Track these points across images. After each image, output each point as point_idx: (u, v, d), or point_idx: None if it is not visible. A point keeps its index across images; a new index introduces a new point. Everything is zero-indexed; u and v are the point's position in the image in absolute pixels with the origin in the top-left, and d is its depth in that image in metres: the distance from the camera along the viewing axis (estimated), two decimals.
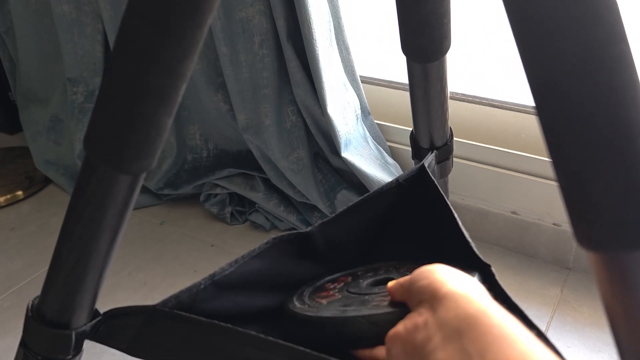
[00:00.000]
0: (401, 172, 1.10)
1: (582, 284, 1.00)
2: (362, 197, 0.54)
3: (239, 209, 1.16)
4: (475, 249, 0.50)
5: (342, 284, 0.51)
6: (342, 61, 1.03)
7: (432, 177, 0.56)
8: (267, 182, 1.13)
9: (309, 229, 0.52)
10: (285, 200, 1.12)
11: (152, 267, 1.06)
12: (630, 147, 0.27)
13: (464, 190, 1.07)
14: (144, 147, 0.36)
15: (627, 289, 0.28)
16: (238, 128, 1.08)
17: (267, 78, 1.02)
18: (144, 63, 0.33)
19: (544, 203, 1.02)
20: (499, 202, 1.05)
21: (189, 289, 0.44)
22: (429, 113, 0.59)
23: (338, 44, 1.02)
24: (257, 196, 1.12)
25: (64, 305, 0.42)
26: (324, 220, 0.53)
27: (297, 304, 0.48)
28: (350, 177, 1.08)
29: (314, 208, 1.09)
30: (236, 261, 0.46)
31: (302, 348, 0.39)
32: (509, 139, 1.05)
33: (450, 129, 0.65)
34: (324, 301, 0.48)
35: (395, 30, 0.53)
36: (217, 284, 0.45)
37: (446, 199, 0.54)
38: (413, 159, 0.67)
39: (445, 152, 0.64)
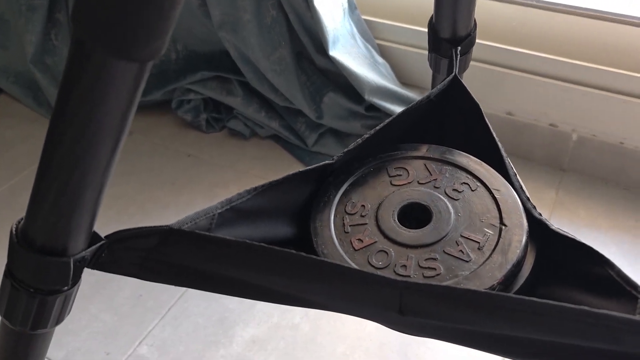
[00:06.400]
0: (391, 72, 1.02)
1: (576, 185, 0.98)
2: (389, 118, 0.50)
3: (215, 116, 1.07)
4: (509, 165, 0.48)
5: (368, 211, 0.47)
6: None
7: (468, 89, 0.51)
8: (245, 85, 1.04)
9: (333, 159, 0.48)
10: (266, 104, 1.03)
11: (125, 181, 0.98)
12: None
13: None
14: (155, 25, 0.28)
15: None
16: (211, 25, 0.97)
17: None
18: None
19: (541, 103, 0.97)
20: (494, 102, 1.00)
21: (205, 212, 0.40)
22: None
23: None
24: (235, 101, 1.03)
25: (58, 229, 0.34)
26: (348, 148, 0.48)
27: (324, 236, 0.45)
28: (337, 78, 0.99)
29: (298, 113, 1.01)
30: (255, 189, 0.43)
31: (341, 264, 0.37)
32: (504, 34, 0.98)
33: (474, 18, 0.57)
34: (358, 244, 0.45)
35: None
36: (235, 210, 0.42)
37: (483, 113, 0.49)
38: (430, 53, 0.60)
39: (467, 44, 0.57)
